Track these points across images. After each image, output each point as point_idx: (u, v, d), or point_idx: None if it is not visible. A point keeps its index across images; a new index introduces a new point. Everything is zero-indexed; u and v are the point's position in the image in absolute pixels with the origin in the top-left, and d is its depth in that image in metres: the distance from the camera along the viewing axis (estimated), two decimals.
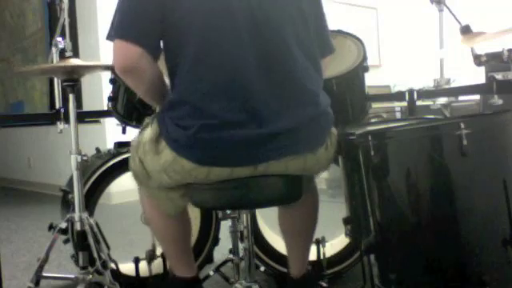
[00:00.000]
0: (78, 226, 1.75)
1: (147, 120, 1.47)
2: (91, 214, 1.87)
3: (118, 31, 1.28)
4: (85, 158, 1.77)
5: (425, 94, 2.11)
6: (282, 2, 1.34)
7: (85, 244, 1.75)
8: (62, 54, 2.01)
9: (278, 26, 1.32)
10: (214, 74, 1.29)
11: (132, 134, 1.99)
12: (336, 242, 2.05)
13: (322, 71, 1.44)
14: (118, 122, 2.08)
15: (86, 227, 1.75)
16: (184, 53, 1.30)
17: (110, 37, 1.30)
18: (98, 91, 3.91)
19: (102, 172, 1.94)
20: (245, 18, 1.28)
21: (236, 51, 1.28)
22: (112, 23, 1.32)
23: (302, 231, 1.70)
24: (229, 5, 1.28)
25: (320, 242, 1.91)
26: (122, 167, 1.95)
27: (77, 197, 1.75)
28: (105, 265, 1.77)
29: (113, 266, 1.81)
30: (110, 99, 2.06)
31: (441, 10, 2.07)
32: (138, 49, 1.26)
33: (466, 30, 1.70)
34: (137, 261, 1.91)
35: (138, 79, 1.36)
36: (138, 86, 1.41)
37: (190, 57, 1.29)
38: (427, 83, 2.38)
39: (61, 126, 2.09)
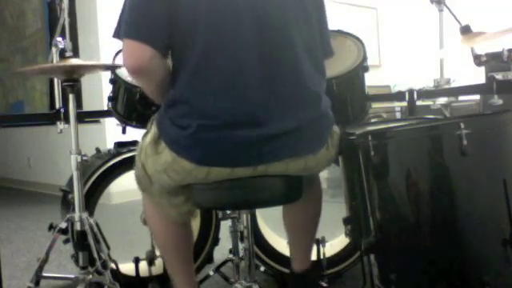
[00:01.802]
0: (77, 226, 1.75)
1: (148, 125, 1.47)
2: (91, 214, 1.87)
3: (129, 30, 1.25)
4: (85, 158, 1.77)
5: (425, 94, 2.11)
6: (286, 2, 1.34)
7: (85, 244, 1.75)
8: (62, 54, 2.01)
9: (283, 26, 1.31)
10: (216, 74, 1.28)
11: (132, 134, 2.00)
12: (336, 242, 2.05)
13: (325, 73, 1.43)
14: (118, 122, 2.08)
15: (86, 227, 1.74)
16: (188, 53, 1.30)
17: (116, 34, 1.29)
18: (98, 91, 3.91)
19: (102, 172, 1.94)
20: (249, 18, 1.28)
21: (239, 52, 1.28)
22: (120, 21, 1.30)
23: (306, 227, 1.70)
24: (233, 5, 1.28)
25: (320, 242, 1.91)
26: (121, 167, 1.95)
27: (77, 197, 1.75)
28: (105, 265, 1.77)
29: (113, 265, 1.81)
30: (110, 99, 2.06)
31: (441, 10, 2.07)
32: (150, 49, 1.24)
33: (465, 30, 1.70)
34: (137, 261, 1.91)
35: (149, 79, 1.35)
36: (148, 85, 1.41)
37: (194, 57, 1.29)
38: (427, 83, 2.37)
39: (61, 126, 2.09)
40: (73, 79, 1.73)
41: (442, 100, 2.35)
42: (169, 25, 1.28)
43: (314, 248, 1.89)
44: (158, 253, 1.89)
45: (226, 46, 1.28)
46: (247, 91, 1.28)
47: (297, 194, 1.44)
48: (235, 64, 1.28)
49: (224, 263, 1.93)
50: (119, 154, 1.98)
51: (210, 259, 2.07)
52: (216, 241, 2.08)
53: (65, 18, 2.05)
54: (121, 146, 2.06)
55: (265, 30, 1.29)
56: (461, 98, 3.81)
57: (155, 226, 1.60)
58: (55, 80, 2.24)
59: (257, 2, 1.29)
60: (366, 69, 1.87)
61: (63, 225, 1.81)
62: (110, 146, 2.14)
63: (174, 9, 1.27)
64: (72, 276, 1.81)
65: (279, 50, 1.31)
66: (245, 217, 1.58)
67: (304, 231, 1.72)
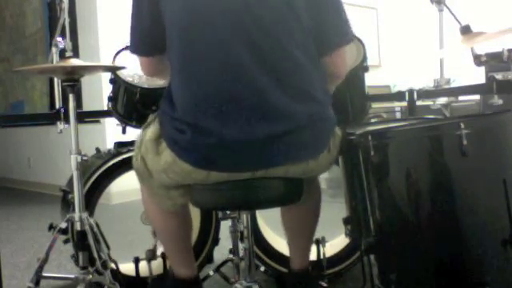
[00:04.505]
0: (78, 226, 1.75)
1: (151, 117, 1.48)
2: (91, 214, 1.87)
3: (132, 49, 1.46)
4: (85, 158, 1.76)
5: (425, 94, 2.11)
6: (270, 0, 1.28)
7: (85, 244, 1.75)
8: (62, 54, 2.01)
9: (269, 25, 1.27)
10: (201, 79, 1.28)
11: (132, 134, 1.99)
12: (336, 242, 2.05)
13: (323, 69, 1.37)
14: (117, 122, 2.08)
15: (86, 227, 1.74)
16: (173, 57, 1.32)
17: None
18: (98, 91, 3.91)
19: (102, 172, 1.94)
20: (232, 20, 1.25)
21: (224, 55, 1.26)
22: None
23: (304, 227, 1.71)
24: (211, 10, 1.27)
25: (320, 242, 1.91)
26: (121, 167, 1.95)
27: (77, 197, 1.75)
28: (105, 265, 1.77)
29: (113, 266, 1.81)
30: (110, 99, 2.06)
31: (441, 10, 2.07)
32: (148, 59, 1.45)
33: (466, 30, 1.70)
34: (137, 261, 1.91)
35: (162, 76, 1.55)
36: (164, 78, 1.54)
37: (177, 61, 1.31)
38: (427, 83, 2.37)
39: (61, 126, 2.09)
40: (73, 79, 1.73)
41: (442, 100, 2.35)
42: (159, 27, 1.35)
43: (314, 248, 1.90)
44: (158, 253, 1.89)
45: (207, 49, 1.27)
46: (238, 96, 1.25)
47: (297, 195, 1.43)
48: (220, 68, 1.27)
49: (224, 263, 1.93)
50: (119, 153, 1.98)
51: (210, 259, 2.07)
52: (216, 241, 2.08)
53: (65, 17, 2.05)
54: (121, 145, 2.06)
55: (251, 31, 1.26)
56: (461, 98, 3.81)
57: (153, 214, 1.61)
58: (55, 80, 2.24)
59: (239, 3, 1.25)
60: (366, 69, 1.87)
61: (63, 225, 1.81)
62: (110, 146, 2.13)
63: (163, 18, 1.33)
64: (72, 276, 1.81)
65: (269, 49, 1.27)
66: (245, 217, 1.58)
67: (302, 232, 1.72)
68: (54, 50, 2.10)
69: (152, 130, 1.41)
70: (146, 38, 1.42)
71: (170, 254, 1.70)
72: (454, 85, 2.29)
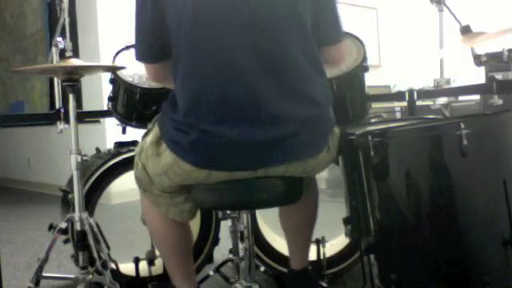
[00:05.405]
0: (78, 226, 1.75)
1: (150, 125, 1.49)
2: (91, 214, 1.87)
3: (138, 56, 1.44)
4: (85, 158, 1.77)
5: (425, 94, 2.11)
6: (271, 2, 1.29)
7: (85, 244, 1.75)
8: (62, 54, 2.02)
9: (272, 28, 1.27)
10: (203, 81, 1.28)
11: (132, 134, 2.00)
12: (336, 242, 2.05)
13: (325, 70, 1.39)
14: (117, 122, 2.08)
15: (86, 227, 1.74)
16: (178, 61, 1.32)
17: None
18: (98, 91, 3.91)
19: (102, 172, 1.94)
20: (235, 23, 1.26)
21: (226, 58, 1.26)
22: None
23: (303, 227, 1.71)
24: (215, 12, 1.27)
25: (320, 242, 1.91)
26: (121, 167, 1.95)
27: (77, 197, 1.75)
28: (105, 265, 1.77)
29: (113, 266, 1.81)
30: (110, 99, 2.06)
31: (441, 10, 2.07)
32: (155, 66, 1.44)
33: (465, 30, 1.70)
34: (137, 261, 1.91)
35: (168, 83, 1.46)
36: (171, 84, 1.49)
37: (182, 65, 1.31)
38: (427, 83, 2.38)
39: (61, 126, 2.09)
40: (73, 79, 1.73)
41: (442, 100, 2.35)
42: (163, 30, 1.33)
43: (314, 248, 1.90)
44: (157, 253, 1.89)
45: (210, 53, 1.27)
46: (239, 98, 1.26)
47: (297, 194, 1.44)
48: (223, 71, 1.27)
49: (224, 263, 1.93)
50: (119, 153, 1.98)
51: (210, 259, 2.07)
52: (216, 241, 2.08)
53: (65, 17, 2.05)
54: (121, 146, 2.06)
55: (252, 33, 1.26)
56: (461, 98, 3.81)
57: (154, 225, 1.60)
58: (55, 80, 2.24)
59: (242, 5, 1.26)
60: (366, 69, 1.87)
61: (63, 225, 1.80)
62: (110, 146, 2.13)
63: (167, 23, 1.32)
64: (72, 276, 1.81)
65: (271, 51, 1.28)
66: (245, 217, 1.58)
67: (301, 231, 1.72)
68: (54, 49, 2.10)
69: (151, 134, 1.42)
70: (151, 43, 1.40)
71: (169, 266, 1.66)
72: (454, 85, 2.29)
